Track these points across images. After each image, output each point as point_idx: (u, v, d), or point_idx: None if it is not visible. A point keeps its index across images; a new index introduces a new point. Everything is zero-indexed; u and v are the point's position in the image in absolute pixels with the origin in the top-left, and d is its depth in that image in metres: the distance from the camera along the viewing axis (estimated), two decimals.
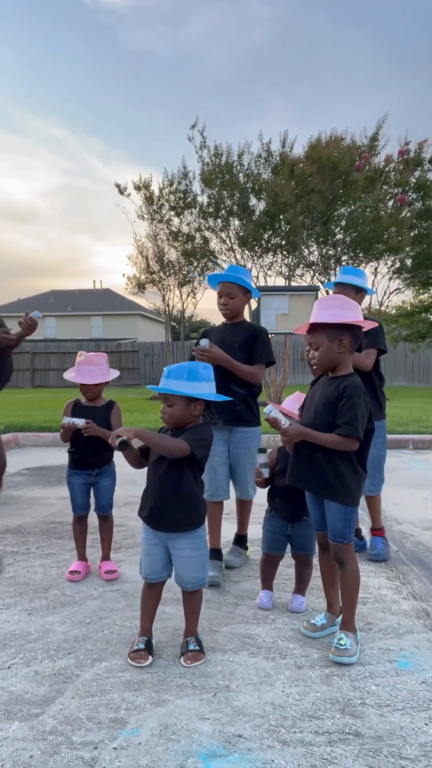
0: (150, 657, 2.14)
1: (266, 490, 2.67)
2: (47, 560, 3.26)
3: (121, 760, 1.60)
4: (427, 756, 1.62)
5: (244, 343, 3.07)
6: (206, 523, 2.28)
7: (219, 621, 2.47)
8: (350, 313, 2.20)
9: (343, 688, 1.96)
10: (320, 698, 1.90)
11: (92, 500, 3.10)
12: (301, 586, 2.66)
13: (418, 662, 2.13)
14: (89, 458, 3.01)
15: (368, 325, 2.29)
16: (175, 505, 2.15)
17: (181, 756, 1.61)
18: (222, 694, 1.92)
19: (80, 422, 2.86)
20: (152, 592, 2.26)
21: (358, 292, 3.29)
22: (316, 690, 1.94)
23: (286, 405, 2.62)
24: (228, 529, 3.66)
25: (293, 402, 2.61)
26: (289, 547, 2.65)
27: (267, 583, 2.69)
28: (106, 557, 3.08)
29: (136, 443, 2.14)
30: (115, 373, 3.08)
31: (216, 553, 3.11)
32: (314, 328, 2.22)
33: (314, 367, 2.28)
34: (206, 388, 2.16)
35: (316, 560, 2.69)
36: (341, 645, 2.13)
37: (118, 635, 2.35)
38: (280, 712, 1.82)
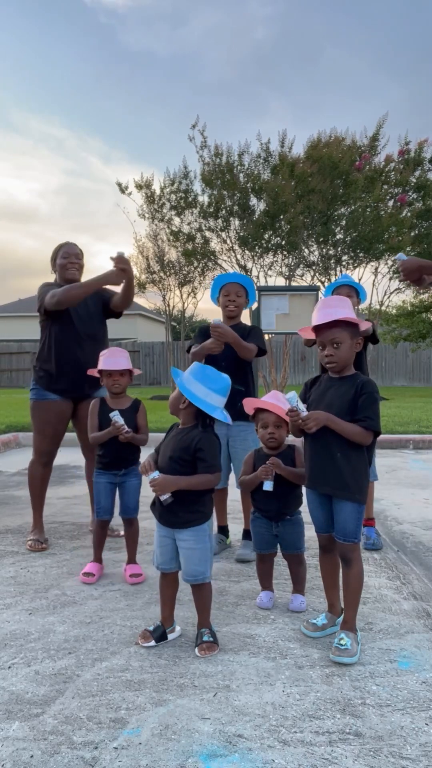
0: (153, 641, 2.23)
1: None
2: (47, 560, 3.26)
3: (122, 759, 1.60)
4: (427, 756, 1.62)
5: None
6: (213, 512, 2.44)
7: (219, 621, 2.47)
8: (354, 315, 2.24)
9: (343, 688, 1.96)
10: (320, 698, 1.90)
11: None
12: (298, 586, 2.66)
13: (419, 662, 2.13)
14: (118, 460, 2.99)
15: (363, 326, 2.31)
16: (179, 506, 2.20)
17: (182, 756, 1.61)
18: (222, 694, 1.92)
19: (125, 428, 2.87)
20: (167, 582, 2.34)
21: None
22: (317, 690, 1.94)
23: (268, 398, 2.61)
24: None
25: (273, 399, 2.60)
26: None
27: (266, 583, 2.69)
28: (131, 560, 3.04)
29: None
30: (136, 370, 3.10)
31: (221, 529, 3.58)
32: (333, 325, 2.19)
33: (332, 366, 2.25)
34: (198, 389, 2.17)
35: (308, 556, 2.70)
36: (342, 645, 2.13)
37: (119, 635, 2.35)
38: (281, 712, 1.82)
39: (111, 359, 2.99)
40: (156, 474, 2.19)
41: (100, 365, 3.00)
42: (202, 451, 2.18)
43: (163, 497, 2.18)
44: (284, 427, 2.54)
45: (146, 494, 3.00)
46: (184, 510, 2.21)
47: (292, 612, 2.57)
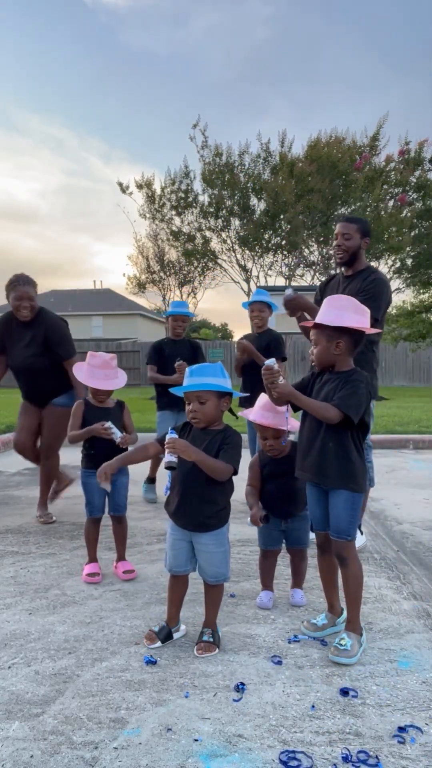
0: (159, 642, 2.23)
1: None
2: (48, 560, 3.26)
3: (122, 759, 1.60)
4: (427, 756, 1.62)
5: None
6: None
7: (219, 621, 2.46)
8: (354, 317, 2.19)
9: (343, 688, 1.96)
10: (320, 698, 1.90)
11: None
12: (298, 579, 2.70)
13: (419, 662, 2.13)
14: (109, 458, 2.97)
15: (369, 331, 2.25)
16: (198, 509, 2.18)
17: (182, 756, 1.61)
18: (222, 694, 1.92)
19: (118, 436, 2.86)
20: (178, 584, 2.33)
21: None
22: (317, 690, 1.94)
23: (263, 410, 2.58)
24: (233, 529, 3.67)
25: (269, 410, 2.54)
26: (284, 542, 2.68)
27: (267, 581, 2.70)
28: (121, 558, 3.05)
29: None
30: (125, 377, 3.08)
31: (151, 480, 4.45)
32: (318, 325, 2.22)
33: (313, 364, 2.30)
34: (230, 384, 2.20)
35: (310, 553, 2.70)
36: (341, 645, 2.13)
37: (119, 635, 2.35)
38: (281, 712, 1.82)
39: (103, 372, 2.94)
40: (174, 434, 2.09)
41: (92, 379, 2.94)
42: (229, 442, 2.15)
43: (171, 458, 2.08)
44: (283, 436, 2.55)
45: (130, 494, 3.01)
46: (205, 513, 2.17)
47: (294, 606, 2.58)
